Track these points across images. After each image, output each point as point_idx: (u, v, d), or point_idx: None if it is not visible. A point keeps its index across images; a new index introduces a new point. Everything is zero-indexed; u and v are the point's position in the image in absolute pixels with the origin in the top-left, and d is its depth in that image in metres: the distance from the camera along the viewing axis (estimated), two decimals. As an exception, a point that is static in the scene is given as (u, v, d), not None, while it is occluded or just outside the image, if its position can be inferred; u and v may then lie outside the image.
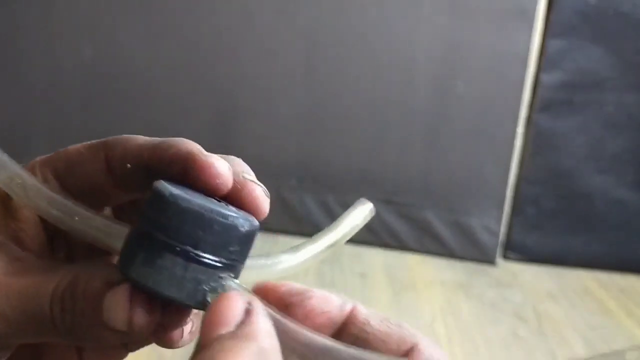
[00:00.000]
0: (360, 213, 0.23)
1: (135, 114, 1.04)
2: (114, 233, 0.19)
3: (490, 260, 1.04)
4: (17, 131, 1.08)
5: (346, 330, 0.18)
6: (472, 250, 1.04)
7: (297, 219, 1.01)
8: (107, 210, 0.23)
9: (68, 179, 0.22)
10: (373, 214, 0.23)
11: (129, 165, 0.21)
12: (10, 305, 0.18)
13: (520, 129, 1.00)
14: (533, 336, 0.82)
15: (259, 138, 1.04)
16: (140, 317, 0.18)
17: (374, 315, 0.18)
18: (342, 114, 1.01)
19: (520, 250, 1.06)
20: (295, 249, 0.22)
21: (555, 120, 0.99)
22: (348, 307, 0.18)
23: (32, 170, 0.21)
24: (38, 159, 0.22)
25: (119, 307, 0.18)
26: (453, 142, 1.01)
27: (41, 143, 1.07)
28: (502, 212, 1.03)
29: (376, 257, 0.99)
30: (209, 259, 0.17)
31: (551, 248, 1.05)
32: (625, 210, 1.02)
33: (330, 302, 0.18)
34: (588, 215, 1.03)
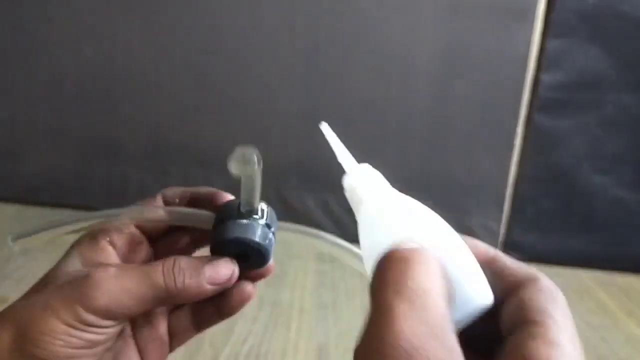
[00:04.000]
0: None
1: (136, 114, 1.04)
2: (202, 218, 0.33)
3: (489, 260, 1.04)
4: (18, 131, 1.08)
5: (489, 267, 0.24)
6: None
7: (297, 219, 1.01)
8: (173, 240, 0.36)
9: (139, 220, 0.34)
10: None
11: (177, 200, 0.35)
12: (134, 283, 0.28)
13: (519, 129, 1.00)
14: (532, 335, 0.82)
15: (259, 138, 1.04)
16: (235, 270, 0.31)
17: (509, 259, 0.24)
18: (342, 113, 1.01)
19: (519, 249, 1.06)
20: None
21: (555, 120, 1.00)
22: (492, 252, 0.24)
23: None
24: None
25: (222, 267, 0.31)
26: (452, 141, 1.01)
27: (41, 143, 1.07)
28: (501, 212, 1.03)
29: (376, 257, 0.99)
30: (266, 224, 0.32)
31: (550, 247, 1.05)
32: (625, 210, 1.02)
33: (478, 245, 0.24)
34: (587, 214, 1.03)
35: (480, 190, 1.02)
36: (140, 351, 0.33)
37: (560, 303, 0.22)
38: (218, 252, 0.32)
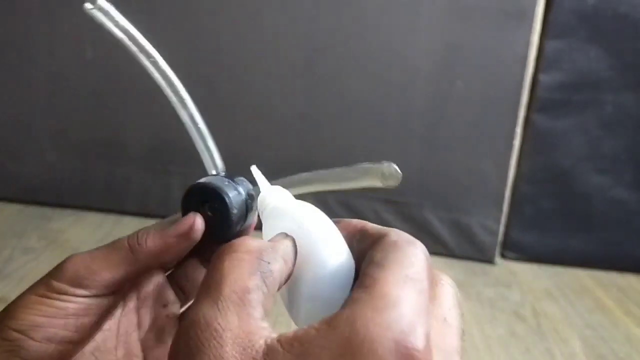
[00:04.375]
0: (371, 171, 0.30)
1: (137, 114, 1.04)
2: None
3: (489, 260, 1.04)
4: (19, 131, 1.08)
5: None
6: (470, 249, 1.04)
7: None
8: (177, 216, 0.34)
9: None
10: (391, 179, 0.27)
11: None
12: (101, 250, 0.30)
13: (518, 129, 1.00)
14: (531, 334, 0.82)
15: (259, 138, 1.04)
16: (197, 219, 0.31)
17: (373, 225, 0.26)
18: (342, 113, 1.02)
19: (518, 249, 1.06)
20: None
21: (554, 120, 1.00)
22: (361, 224, 0.26)
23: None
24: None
25: (185, 218, 0.31)
26: (452, 141, 1.01)
27: (43, 143, 1.07)
28: (500, 212, 1.03)
29: (375, 257, 0.99)
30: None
31: (549, 247, 1.05)
32: (624, 210, 1.03)
33: (351, 222, 0.27)
34: (586, 214, 1.04)
35: (479, 190, 1.03)
36: (147, 328, 0.33)
37: (401, 253, 0.23)
38: (185, 206, 0.32)
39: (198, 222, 0.31)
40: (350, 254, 0.25)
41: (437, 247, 1.03)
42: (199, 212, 0.32)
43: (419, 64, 0.98)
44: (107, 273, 0.29)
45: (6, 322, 0.28)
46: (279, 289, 0.24)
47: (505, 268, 1.04)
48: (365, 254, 0.24)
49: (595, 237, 1.04)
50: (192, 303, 0.23)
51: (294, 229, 0.26)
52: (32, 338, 0.28)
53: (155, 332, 0.33)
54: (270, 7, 0.98)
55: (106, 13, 0.31)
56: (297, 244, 0.25)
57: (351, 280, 0.25)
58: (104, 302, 0.30)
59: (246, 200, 0.33)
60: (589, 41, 0.96)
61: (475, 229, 1.03)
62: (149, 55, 0.31)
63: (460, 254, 1.05)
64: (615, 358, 0.79)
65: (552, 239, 1.05)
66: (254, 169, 0.32)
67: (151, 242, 0.30)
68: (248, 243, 0.24)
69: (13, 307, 0.28)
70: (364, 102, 1.01)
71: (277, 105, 1.03)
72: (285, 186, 0.32)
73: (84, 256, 0.29)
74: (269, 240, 0.26)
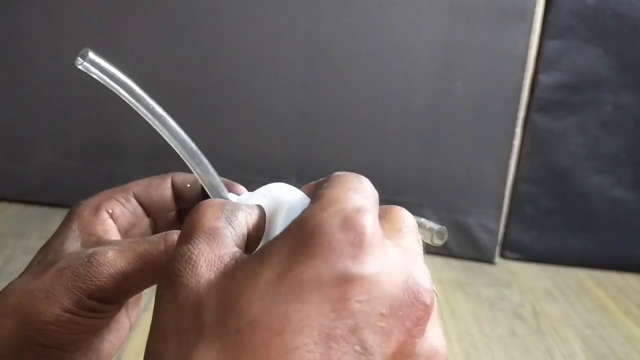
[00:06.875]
0: None
1: (137, 114, 1.04)
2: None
3: (488, 259, 1.04)
4: (18, 132, 1.08)
5: None
6: (470, 249, 1.04)
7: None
8: (172, 213, 0.36)
9: (144, 197, 0.34)
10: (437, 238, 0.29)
11: (188, 185, 0.35)
12: (133, 268, 0.28)
13: (518, 129, 1.00)
14: (531, 334, 0.82)
15: (259, 138, 1.04)
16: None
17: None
18: (342, 113, 1.02)
19: (518, 249, 1.06)
20: None
21: (553, 121, 1.00)
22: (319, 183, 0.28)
23: (123, 194, 0.34)
24: (118, 188, 0.34)
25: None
26: (451, 141, 1.01)
27: (42, 143, 1.08)
28: (500, 212, 1.04)
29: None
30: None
31: (549, 247, 1.06)
32: (623, 210, 1.03)
33: (310, 184, 0.30)
34: (586, 214, 1.04)
35: (479, 190, 1.03)
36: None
37: (346, 177, 0.24)
38: None
39: None
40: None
41: (437, 247, 1.03)
42: None
43: (419, 64, 0.98)
44: (140, 289, 0.29)
45: (35, 337, 0.27)
46: (249, 239, 0.25)
47: (505, 268, 1.04)
48: None
49: (595, 237, 1.04)
50: None
51: (262, 195, 0.30)
52: (70, 352, 0.28)
53: None
54: (270, 7, 0.98)
55: (97, 66, 0.31)
56: (267, 208, 0.28)
57: None
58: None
59: None
60: (588, 41, 0.96)
61: (475, 228, 1.03)
62: (147, 106, 0.31)
63: (459, 254, 1.05)
64: (615, 358, 0.79)
65: (552, 239, 1.05)
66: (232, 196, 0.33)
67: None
68: (211, 200, 0.26)
69: (39, 322, 0.26)
70: (364, 103, 1.01)
71: (277, 105, 1.03)
72: None
73: (115, 268, 0.28)
74: None
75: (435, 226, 0.29)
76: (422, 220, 0.29)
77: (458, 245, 1.04)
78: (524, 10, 0.94)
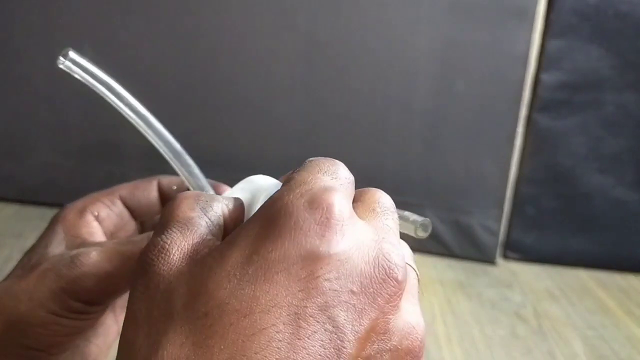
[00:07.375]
0: None
1: (135, 113, 1.04)
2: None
3: (490, 260, 1.04)
4: (16, 131, 1.08)
5: None
6: (471, 249, 1.04)
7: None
8: (158, 216, 0.34)
9: (130, 200, 0.34)
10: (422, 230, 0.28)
11: (175, 187, 0.35)
12: (117, 268, 0.28)
13: (520, 129, 1.00)
14: (532, 335, 0.82)
15: (259, 138, 1.04)
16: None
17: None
18: (342, 113, 1.01)
19: (520, 249, 1.06)
20: None
21: (555, 120, 1.00)
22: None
23: (109, 197, 0.34)
24: (104, 190, 0.35)
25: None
26: (453, 141, 1.01)
27: (41, 143, 1.07)
28: (502, 212, 1.03)
29: (376, 257, 0.99)
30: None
31: (551, 247, 1.05)
32: (625, 210, 1.02)
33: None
34: (587, 214, 1.03)
35: (480, 190, 1.02)
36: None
37: (317, 161, 0.24)
38: None
39: None
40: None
41: (438, 248, 1.03)
42: None
43: (420, 63, 0.98)
44: (125, 289, 0.29)
45: (21, 339, 0.27)
46: (227, 229, 0.25)
47: (507, 268, 1.04)
48: None
49: (597, 238, 1.04)
50: None
51: (240, 188, 0.30)
52: (54, 354, 0.28)
53: None
54: (270, 6, 0.98)
55: (79, 65, 0.32)
56: (245, 199, 0.28)
57: None
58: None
59: None
60: (590, 40, 0.96)
61: (476, 229, 1.03)
62: (128, 105, 0.32)
63: (460, 255, 1.04)
64: (616, 359, 0.78)
65: (553, 239, 1.05)
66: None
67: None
68: (187, 192, 0.26)
69: (24, 324, 0.26)
70: (365, 102, 1.01)
71: (277, 105, 1.03)
72: None
73: (99, 269, 0.28)
74: None
75: (419, 218, 0.28)
76: (406, 213, 0.28)
77: (459, 245, 1.04)
78: (525, 8, 0.94)
